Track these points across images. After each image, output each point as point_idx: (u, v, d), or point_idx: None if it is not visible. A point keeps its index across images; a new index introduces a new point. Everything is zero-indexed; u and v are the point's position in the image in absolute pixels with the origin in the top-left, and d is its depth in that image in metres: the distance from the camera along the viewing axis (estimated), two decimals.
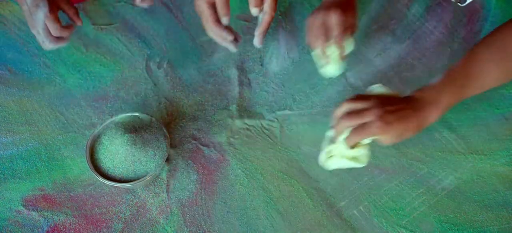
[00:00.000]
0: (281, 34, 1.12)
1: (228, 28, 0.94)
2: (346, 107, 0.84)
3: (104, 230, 0.87)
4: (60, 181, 0.92)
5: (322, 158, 0.87)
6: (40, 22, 0.95)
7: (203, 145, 0.97)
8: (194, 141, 0.98)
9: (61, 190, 0.91)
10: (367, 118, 0.81)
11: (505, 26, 0.89)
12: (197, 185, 0.92)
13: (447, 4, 1.16)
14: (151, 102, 1.03)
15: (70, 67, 1.07)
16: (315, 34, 0.94)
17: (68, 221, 0.88)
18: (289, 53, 1.10)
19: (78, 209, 0.89)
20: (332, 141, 0.86)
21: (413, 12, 1.16)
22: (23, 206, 0.89)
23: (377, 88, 0.88)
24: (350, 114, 0.82)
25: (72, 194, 0.91)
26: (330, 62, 0.95)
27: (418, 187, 0.92)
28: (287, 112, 1.02)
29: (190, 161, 0.95)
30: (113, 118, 0.95)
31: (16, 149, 0.96)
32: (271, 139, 0.98)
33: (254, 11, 0.93)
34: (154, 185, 0.92)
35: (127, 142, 0.89)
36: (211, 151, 0.96)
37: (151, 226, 0.88)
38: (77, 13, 1.00)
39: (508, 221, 0.88)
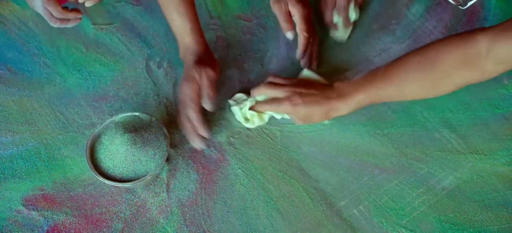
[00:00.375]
0: (281, 34, 1.12)
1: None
2: (271, 78, 0.94)
3: (104, 230, 0.87)
4: (60, 181, 0.92)
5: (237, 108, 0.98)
6: (39, 7, 0.97)
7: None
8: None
9: (61, 189, 0.91)
10: (279, 94, 0.91)
11: (441, 42, 0.84)
12: (197, 185, 0.92)
13: (447, 4, 1.16)
14: (151, 102, 1.03)
15: (70, 67, 1.07)
16: (325, 2, 1.10)
17: (68, 221, 0.88)
18: (289, 53, 1.10)
19: (78, 209, 0.89)
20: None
21: (413, 12, 1.16)
22: (23, 205, 0.89)
23: (307, 73, 0.99)
24: (270, 84, 0.93)
25: (72, 194, 0.91)
26: (338, 28, 1.09)
27: (418, 186, 0.92)
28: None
29: (190, 160, 0.95)
30: (113, 118, 0.95)
31: (16, 148, 0.96)
32: (271, 139, 0.98)
33: (288, 35, 1.05)
34: (154, 184, 0.92)
35: (127, 142, 0.89)
36: (211, 151, 0.96)
37: (151, 225, 0.88)
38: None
39: (508, 221, 0.88)
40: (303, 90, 0.91)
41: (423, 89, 0.86)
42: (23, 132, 0.98)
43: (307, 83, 0.94)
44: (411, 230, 0.87)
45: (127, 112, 0.97)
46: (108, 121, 0.95)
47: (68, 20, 1.00)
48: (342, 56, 1.10)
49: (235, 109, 0.98)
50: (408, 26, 1.14)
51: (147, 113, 0.96)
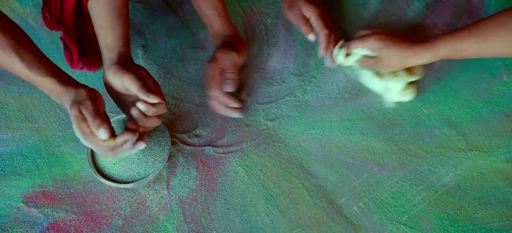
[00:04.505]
0: (281, 31, 1.12)
1: (233, 96, 1.00)
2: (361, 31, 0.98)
3: (104, 227, 0.87)
4: (60, 178, 0.92)
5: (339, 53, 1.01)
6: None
7: (203, 143, 0.97)
8: (194, 138, 0.98)
9: (61, 186, 0.91)
10: (371, 31, 0.95)
11: None
12: (197, 182, 0.92)
13: (447, 1, 1.16)
14: None
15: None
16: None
17: (68, 218, 0.88)
18: (288, 51, 1.10)
19: (78, 206, 0.89)
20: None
21: (413, 9, 1.16)
22: (23, 202, 0.89)
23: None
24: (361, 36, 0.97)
25: (72, 191, 0.91)
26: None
27: (418, 184, 0.92)
28: (287, 109, 1.02)
29: (190, 158, 0.95)
30: (115, 118, 0.95)
31: (16, 145, 0.96)
32: (271, 136, 0.98)
33: (310, 37, 1.05)
34: (154, 182, 0.92)
35: None
36: (211, 148, 0.96)
37: (151, 222, 0.88)
38: (103, 124, 0.79)
39: (508, 217, 0.88)
40: (390, 32, 0.95)
41: (507, 46, 0.87)
42: (23, 129, 0.98)
43: (396, 31, 0.97)
44: (411, 227, 0.87)
45: None
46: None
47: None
48: None
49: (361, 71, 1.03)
50: (408, 23, 1.14)
51: None
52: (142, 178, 0.88)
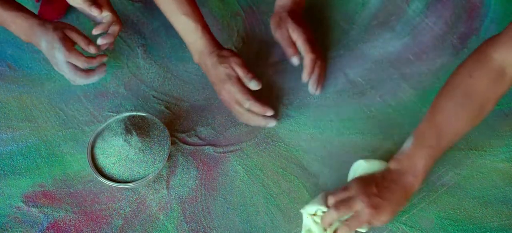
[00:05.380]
0: None
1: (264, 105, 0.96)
2: (332, 199, 0.82)
3: (104, 226, 0.87)
4: (60, 177, 0.92)
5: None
6: (61, 63, 0.93)
7: (203, 142, 0.97)
8: (194, 138, 0.98)
9: (61, 186, 0.91)
10: (356, 207, 0.80)
11: (461, 69, 0.84)
12: (197, 182, 0.92)
13: (447, 1, 1.16)
14: (151, 100, 1.03)
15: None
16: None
17: (68, 217, 0.88)
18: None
19: (78, 205, 0.89)
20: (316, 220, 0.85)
21: (413, 8, 1.16)
22: (23, 202, 0.89)
23: (362, 164, 0.87)
24: (337, 205, 0.81)
25: (72, 190, 0.91)
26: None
27: None
28: (287, 108, 1.02)
29: (190, 157, 0.95)
30: (114, 117, 0.95)
31: (16, 145, 0.96)
32: (271, 135, 0.98)
33: (294, 60, 1.01)
34: (154, 181, 0.92)
35: (128, 141, 0.89)
36: (211, 148, 0.96)
37: (151, 222, 0.88)
38: (91, 42, 0.95)
39: (508, 217, 0.88)
40: (374, 190, 0.82)
41: (470, 120, 0.84)
42: (23, 129, 0.98)
43: (368, 183, 0.83)
44: (411, 226, 0.87)
45: (127, 109, 0.97)
46: (109, 120, 0.95)
47: (94, 71, 0.96)
48: (341, 52, 1.10)
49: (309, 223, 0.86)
50: (408, 22, 1.14)
51: (147, 112, 0.96)
52: (142, 178, 0.88)
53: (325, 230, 0.84)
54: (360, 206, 0.80)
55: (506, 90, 0.83)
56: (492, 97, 0.83)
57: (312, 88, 1.02)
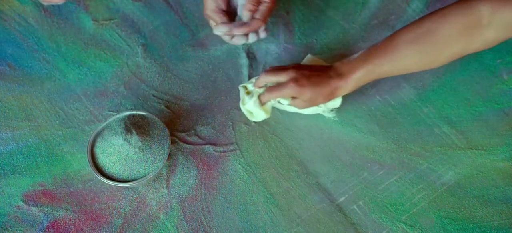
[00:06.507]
0: (281, 30, 1.12)
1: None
2: (270, 67, 0.92)
3: (104, 226, 0.87)
4: (60, 177, 0.92)
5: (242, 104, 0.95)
6: None
7: (203, 141, 0.97)
8: (194, 137, 0.98)
9: (61, 185, 0.91)
10: (283, 78, 0.88)
11: (439, 12, 0.83)
12: (197, 181, 0.92)
13: (446, 0, 1.16)
14: (151, 99, 1.03)
15: (70, 63, 1.07)
16: None
17: (68, 217, 0.88)
18: (288, 49, 1.10)
19: (78, 205, 0.89)
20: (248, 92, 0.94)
21: (413, 8, 1.16)
22: (23, 201, 0.89)
23: (310, 57, 1.00)
24: (271, 70, 0.90)
25: (72, 190, 0.91)
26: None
27: (418, 182, 0.92)
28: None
29: (190, 156, 0.95)
30: (114, 116, 0.95)
31: (16, 144, 0.96)
32: (271, 134, 0.98)
33: (245, 15, 0.92)
34: (154, 180, 0.92)
35: (128, 140, 0.89)
36: (211, 147, 0.96)
37: (151, 221, 0.88)
38: None
39: (508, 216, 0.88)
40: (306, 72, 0.89)
41: (420, 61, 0.85)
42: (23, 128, 0.98)
43: (308, 66, 0.93)
44: (411, 226, 0.87)
45: (127, 109, 0.97)
46: (109, 119, 0.95)
47: None
48: (340, 52, 1.10)
49: (244, 109, 0.95)
50: (407, 22, 1.13)
51: (147, 111, 0.96)
52: (141, 177, 0.88)
53: (259, 103, 0.92)
54: (286, 78, 0.88)
55: (474, 48, 0.82)
56: (456, 45, 0.82)
57: (262, 33, 0.95)
